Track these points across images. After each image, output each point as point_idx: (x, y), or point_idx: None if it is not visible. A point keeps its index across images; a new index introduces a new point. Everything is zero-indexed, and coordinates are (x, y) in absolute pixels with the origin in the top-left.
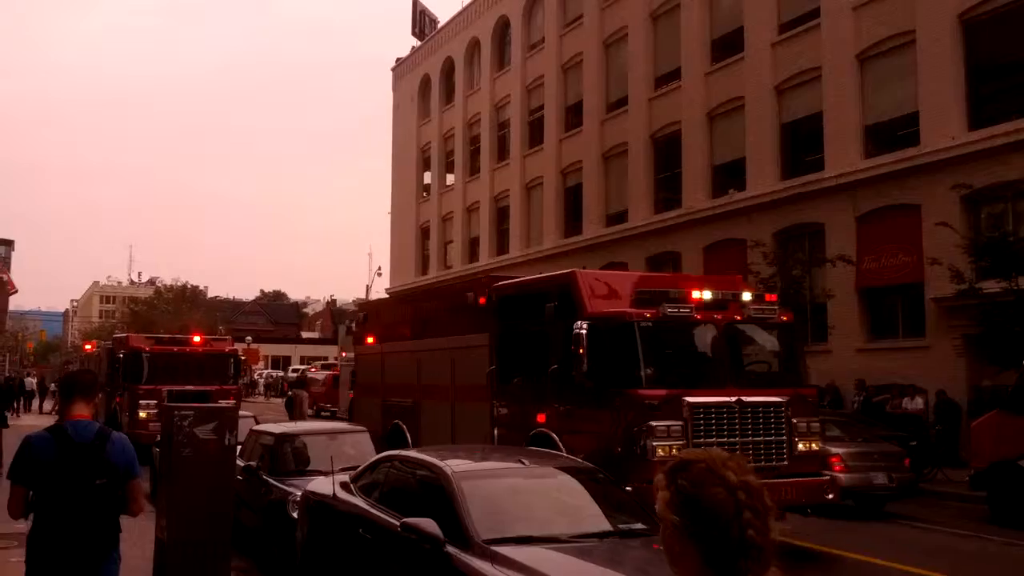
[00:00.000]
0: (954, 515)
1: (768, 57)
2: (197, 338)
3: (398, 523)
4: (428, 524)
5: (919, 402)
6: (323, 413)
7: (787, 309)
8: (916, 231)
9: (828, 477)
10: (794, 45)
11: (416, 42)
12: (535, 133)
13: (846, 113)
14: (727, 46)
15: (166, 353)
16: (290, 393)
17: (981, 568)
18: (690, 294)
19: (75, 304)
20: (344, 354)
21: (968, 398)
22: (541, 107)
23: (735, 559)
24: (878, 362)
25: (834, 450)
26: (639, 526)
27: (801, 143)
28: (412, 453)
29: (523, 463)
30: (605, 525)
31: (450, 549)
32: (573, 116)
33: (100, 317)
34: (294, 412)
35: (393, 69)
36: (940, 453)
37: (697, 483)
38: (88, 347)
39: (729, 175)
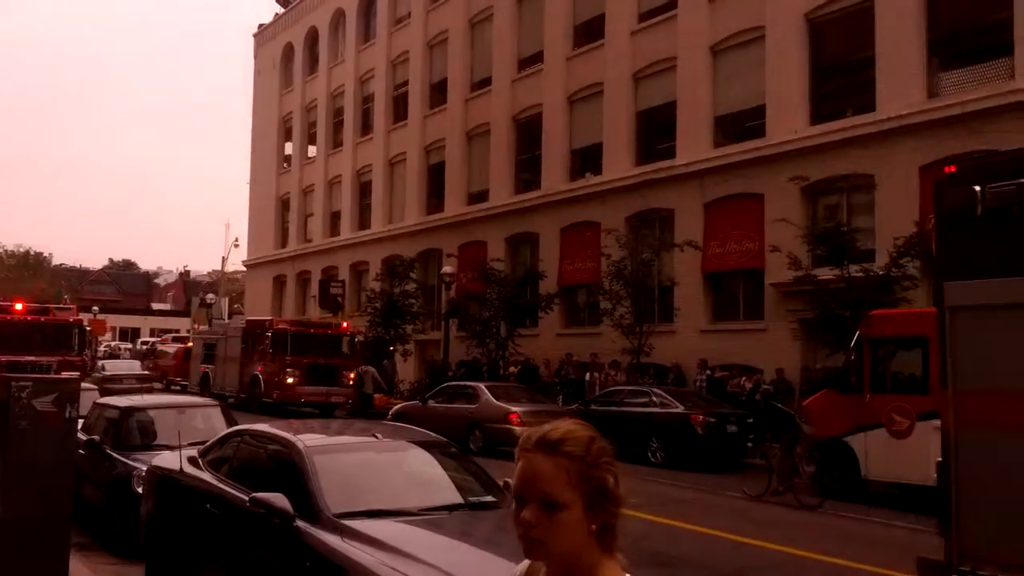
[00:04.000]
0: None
1: (627, 45)
2: (19, 306)
3: (247, 498)
4: (278, 499)
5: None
6: (173, 387)
7: None
8: (759, 219)
9: None
10: (652, 34)
11: (280, 9)
12: (399, 108)
13: (698, 103)
14: (589, 32)
15: (4, 322)
16: (359, 369)
17: (803, 537)
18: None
19: None
20: (197, 326)
21: (801, 378)
22: (406, 83)
23: None
24: (720, 343)
25: (513, 408)
26: (489, 499)
27: (655, 131)
28: (264, 427)
29: (376, 437)
30: (456, 498)
31: (300, 524)
32: (437, 93)
33: None
34: (364, 387)
35: (255, 35)
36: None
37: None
38: None
39: (587, 159)
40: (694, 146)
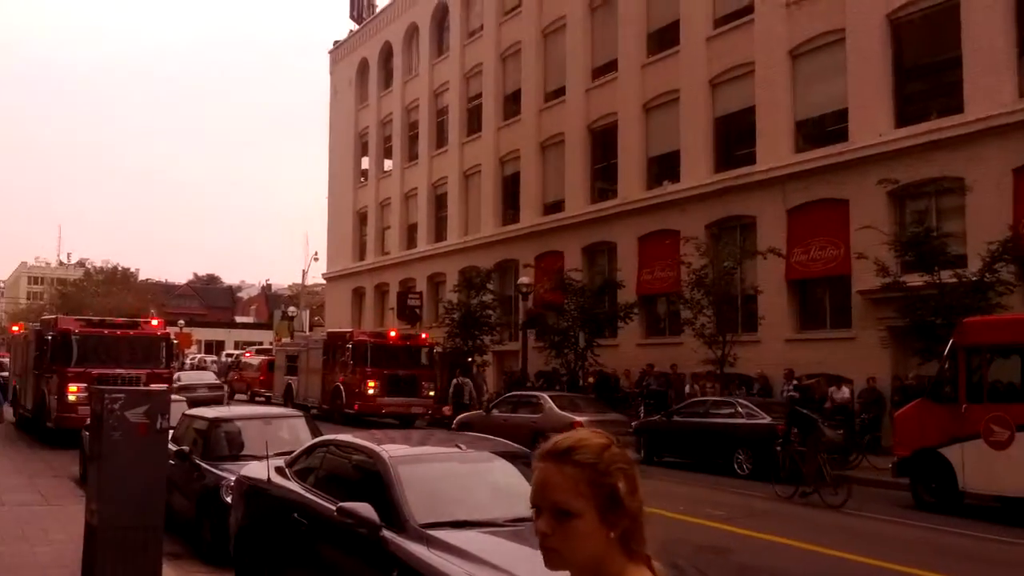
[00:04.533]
0: (877, 501)
1: (703, 51)
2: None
3: (334, 508)
4: (364, 508)
5: (845, 392)
6: (258, 398)
7: None
8: (844, 225)
9: None
10: (728, 40)
11: (354, 25)
12: (473, 120)
13: (778, 108)
14: (664, 39)
15: (96, 336)
16: (456, 381)
17: (898, 551)
18: None
19: (2, 285)
20: (279, 339)
21: (892, 388)
22: (480, 95)
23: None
24: (806, 352)
25: (577, 418)
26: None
27: (734, 137)
28: (348, 438)
29: (460, 448)
30: None
31: (386, 533)
32: (511, 104)
33: (28, 299)
34: (464, 397)
35: (331, 52)
36: (865, 441)
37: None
38: (16, 328)
39: (664, 167)
40: (775, 151)
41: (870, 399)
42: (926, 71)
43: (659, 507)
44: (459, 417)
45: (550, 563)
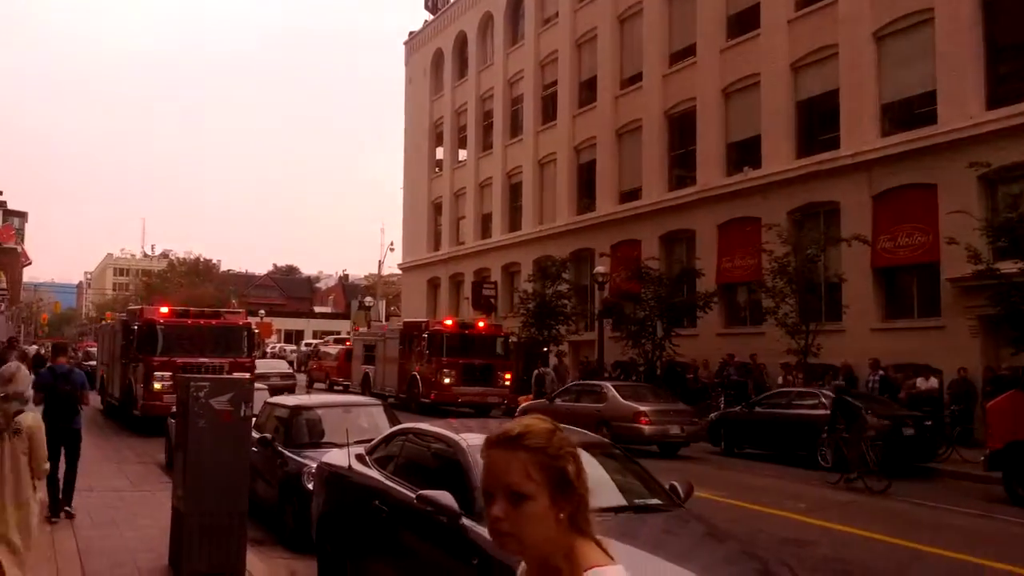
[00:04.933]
0: (968, 495)
1: (784, 34)
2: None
3: (414, 495)
4: (444, 496)
5: (934, 382)
6: (336, 387)
7: None
8: (932, 210)
9: None
10: (810, 22)
11: (429, 16)
12: (548, 109)
13: (863, 91)
14: (743, 22)
15: (180, 325)
16: (538, 371)
17: (990, 547)
18: None
19: (89, 276)
20: (357, 328)
21: (983, 379)
22: (555, 82)
23: None
24: (893, 342)
25: (641, 408)
26: (655, 501)
27: (817, 121)
28: (427, 426)
29: None
30: (620, 500)
31: (466, 521)
32: (587, 92)
33: (114, 289)
34: (545, 386)
35: (406, 43)
36: (955, 433)
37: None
38: (108, 318)
39: (744, 153)
40: (860, 136)
41: (960, 390)
42: (1019, 50)
43: (740, 499)
44: (521, 406)
45: (505, 546)
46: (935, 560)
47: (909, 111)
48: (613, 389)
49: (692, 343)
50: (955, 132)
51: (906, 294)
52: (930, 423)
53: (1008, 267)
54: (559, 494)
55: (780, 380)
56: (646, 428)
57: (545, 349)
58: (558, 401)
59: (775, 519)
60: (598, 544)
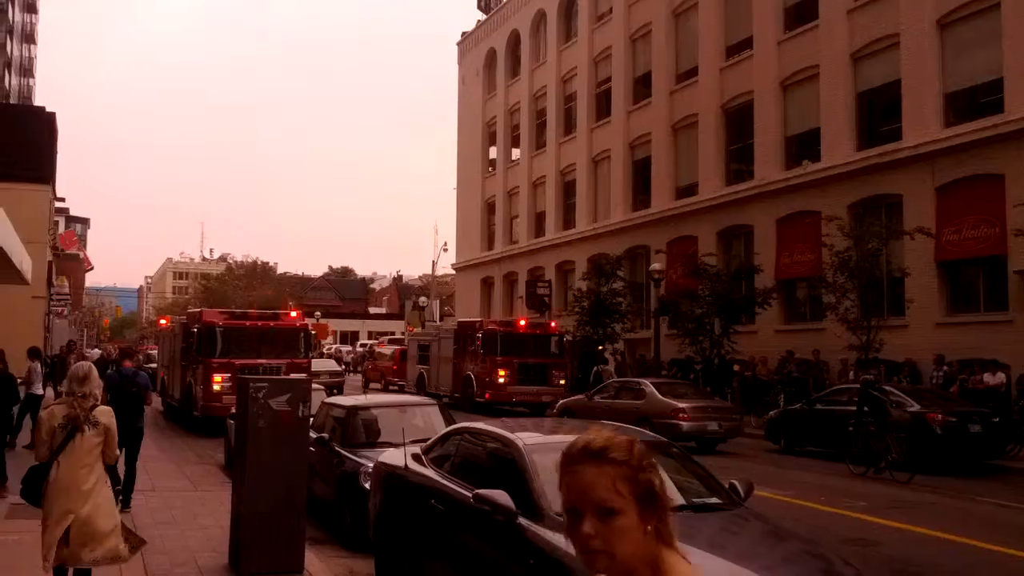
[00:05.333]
0: None
1: (843, 24)
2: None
3: (470, 495)
4: (501, 496)
5: (1001, 377)
6: (391, 387)
7: None
8: (999, 201)
9: None
10: (870, 11)
11: (481, 16)
12: (602, 105)
13: (925, 81)
14: (801, 14)
15: (239, 328)
16: (596, 368)
17: None
18: None
19: (149, 280)
20: (411, 329)
21: None
22: (609, 79)
23: None
24: (958, 337)
25: (680, 404)
26: (714, 500)
27: (878, 112)
28: (482, 426)
29: None
30: (679, 499)
31: (522, 521)
32: (641, 87)
33: (173, 293)
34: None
35: (459, 43)
36: (1023, 430)
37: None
38: (163, 322)
39: (803, 146)
40: (922, 126)
41: None
42: None
43: (800, 498)
44: (560, 403)
45: (595, 564)
46: (1004, 559)
47: (974, 100)
48: (652, 386)
49: (751, 340)
50: (1022, 121)
51: (971, 287)
52: (997, 419)
53: None
54: (646, 507)
55: (851, 375)
56: (684, 424)
57: (600, 347)
58: (597, 398)
59: (836, 518)
60: (680, 554)
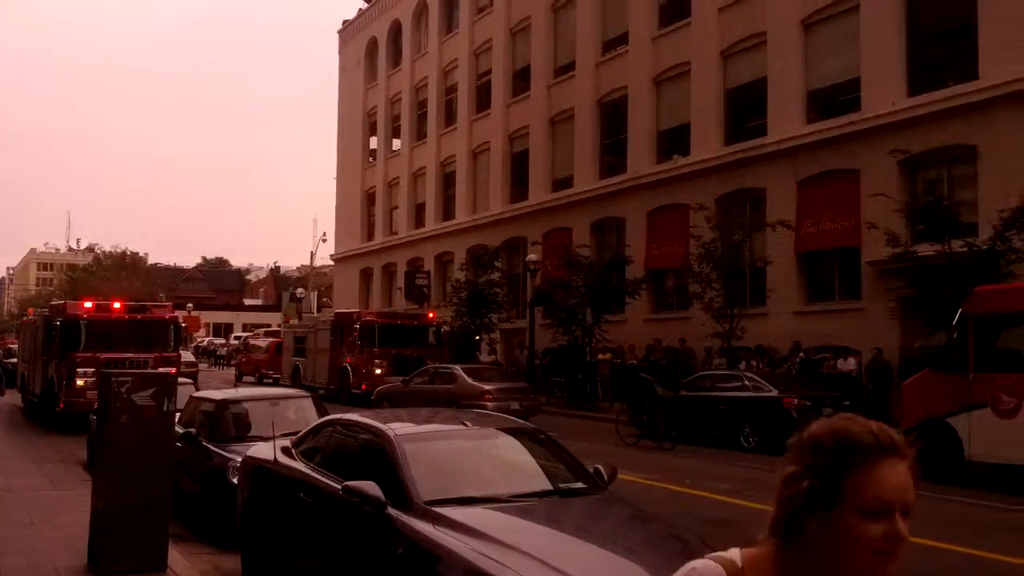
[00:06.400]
0: None
1: (714, 22)
2: (117, 304)
3: (340, 486)
4: (370, 487)
5: (852, 363)
6: (266, 380)
7: None
8: (855, 196)
9: None
10: (739, 10)
11: (364, 4)
12: (483, 98)
13: (789, 79)
14: (675, 11)
15: (104, 320)
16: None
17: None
18: None
19: (11, 272)
20: (287, 320)
21: (900, 358)
22: (489, 71)
23: None
24: (814, 324)
25: (486, 387)
26: (579, 485)
27: (745, 108)
28: (355, 417)
29: (465, 425)
30: (546, 485)
31: (391, 511)
32: (520, 81)
33: (37, 285)
34: None
35: (340, 32)
36: (871, 412)
37: None
38: (30, 314)
39: (674, 140)
40: (786, 123)
41: (877, 369)
42: (941, 38)
43: (665, 481)
44: (378, 389)
45: (890, 571)
46: None
47: (834, 98)
48: (461, 371)
49: (621, 329)
50: (877, 119)
51: (828, 278)
52: (848, 403)
53: (925, 250)
54: None
55: (715, 362)
56: (490, 404)
57: (477, 338)
58: (414, 383)
59: (699, 500)
60: None
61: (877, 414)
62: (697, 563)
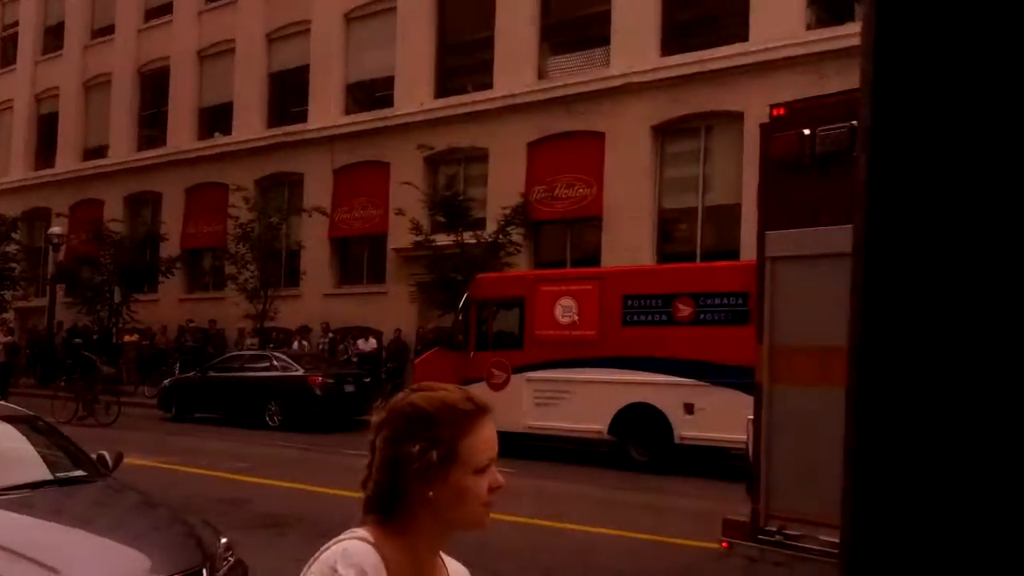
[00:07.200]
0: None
1: (262, 3)
2: None
3: None
4: None
5: (373, 343)
6: None
7: None
8: (385, 186)
9: None
10: None
11: None
12: (7, 52)
13: (331, 69)
14: None
15: None
16: None
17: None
18: None
19: None
20: None
21: (416, 338)
22: (16, 23)
23: None
24: (344, 306)
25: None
26: (79, 473)
27: (288, 94)
28: None
29: None
30: (44, 474)
31: None
32: (53, 38)
33: None
34: None
35: None
36: (388, 388)
37: None
38: None
39: (216, 118)
40: (326, 112)
41: (396, 349)
42: (465, 48)
43: (183, 464)
44: None
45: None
46: (348, 502)
47: (371, 93)
48: None
49: (153, 309)
50: (407, 116)
51: (358, 262)
52: (369, 380)
53: (443, 239)
54: None
55: (295, 345)
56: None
57: None
58: None
59: (215, 480)
60: None
61: (396, 388)
62: (346, 543)
